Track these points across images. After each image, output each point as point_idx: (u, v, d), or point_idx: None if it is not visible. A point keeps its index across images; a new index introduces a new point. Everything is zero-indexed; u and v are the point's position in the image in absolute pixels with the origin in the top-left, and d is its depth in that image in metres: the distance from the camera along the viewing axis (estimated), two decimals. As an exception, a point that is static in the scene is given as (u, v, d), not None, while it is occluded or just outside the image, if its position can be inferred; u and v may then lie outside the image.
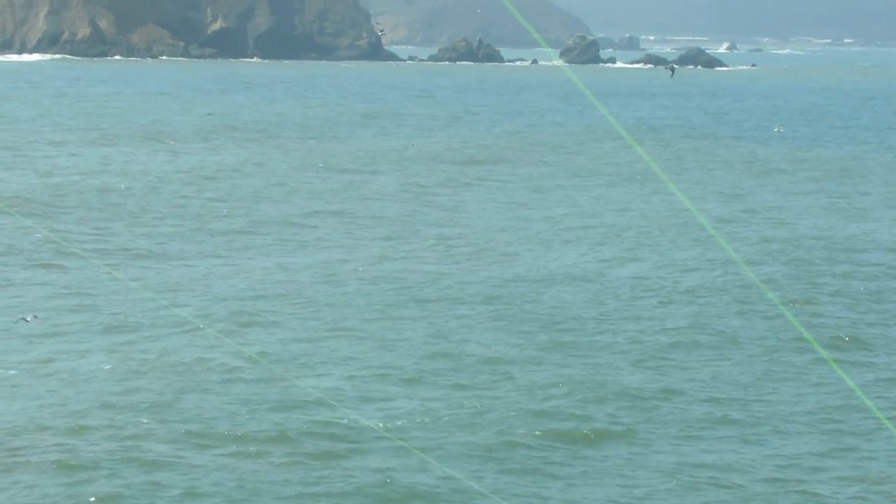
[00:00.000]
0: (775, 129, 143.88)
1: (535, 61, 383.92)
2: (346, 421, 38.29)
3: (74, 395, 40.46)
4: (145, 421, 38.10)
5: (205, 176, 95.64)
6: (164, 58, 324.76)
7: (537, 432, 37.90)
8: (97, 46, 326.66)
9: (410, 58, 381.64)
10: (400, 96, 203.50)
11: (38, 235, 69.31)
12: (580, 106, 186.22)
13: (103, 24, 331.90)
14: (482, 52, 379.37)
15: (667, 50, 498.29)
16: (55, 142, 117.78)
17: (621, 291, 56.98)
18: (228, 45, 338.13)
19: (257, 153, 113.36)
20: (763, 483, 34.79)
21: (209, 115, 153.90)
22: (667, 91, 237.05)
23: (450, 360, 45.25)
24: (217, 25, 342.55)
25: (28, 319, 49.75)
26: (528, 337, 48.61)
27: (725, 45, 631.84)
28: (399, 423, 38.27)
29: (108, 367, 43.51)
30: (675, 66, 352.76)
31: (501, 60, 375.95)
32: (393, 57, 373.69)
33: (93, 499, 32.71)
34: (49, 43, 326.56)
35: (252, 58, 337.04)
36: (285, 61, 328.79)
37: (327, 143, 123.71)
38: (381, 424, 38.00)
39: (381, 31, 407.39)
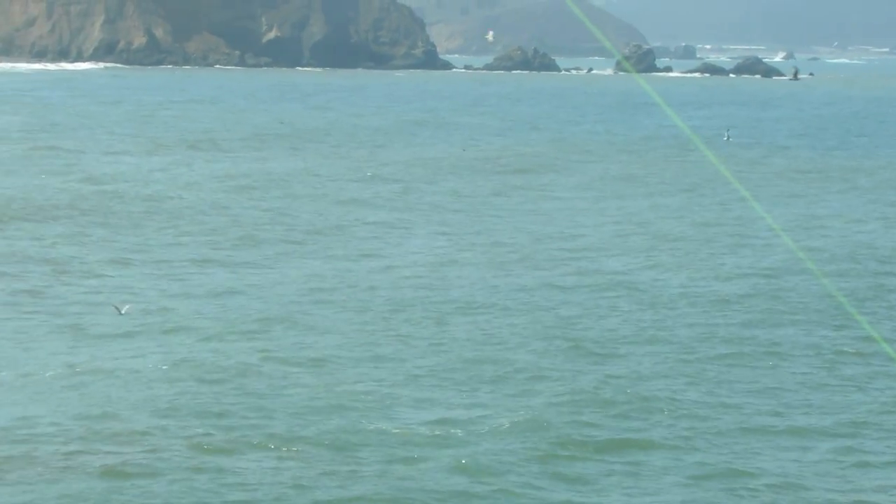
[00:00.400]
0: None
1: (590, 70, 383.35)
2: (398, 427, 38.21)
3: (126, 400, 40.48)
4: (198, 426, 38.05)
5: (257, 184, 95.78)
6: (219, 66, 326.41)
7: (591, 441, 37.55)
8: (153, 55, 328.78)
9: (466, 66, 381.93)
10: (452, 105, 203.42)
11: (90, 243, 69.61)
12: (635, 114, 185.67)
13: (159, 32, 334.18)
14: (537, 61, 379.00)
15: (723, 59, 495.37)
16: (107, 150, 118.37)
17: (675, 299, 56.48)
18: (283, 54, 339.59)
19: (308, 161, 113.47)
20: (827, 492, 34.27)
21: (281, 122, 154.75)
22: (719, 100, 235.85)
23: (500, 367, 45.02)
24: (272, 34, 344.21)
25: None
26: (579, 345, 48.24)
27: (782, 53, 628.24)
28: (451, 430, 38.06)
29: (160, 371, 43.51)
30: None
31: (557, 69, 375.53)
32: (448, 66, 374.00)
33: (144, 504, 32.68)
34: (105, 52, 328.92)
35: (307, 67, 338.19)
36: (340, 70, 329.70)
37: (378, 152, 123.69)
38: (435, 431, 37.86)
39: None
